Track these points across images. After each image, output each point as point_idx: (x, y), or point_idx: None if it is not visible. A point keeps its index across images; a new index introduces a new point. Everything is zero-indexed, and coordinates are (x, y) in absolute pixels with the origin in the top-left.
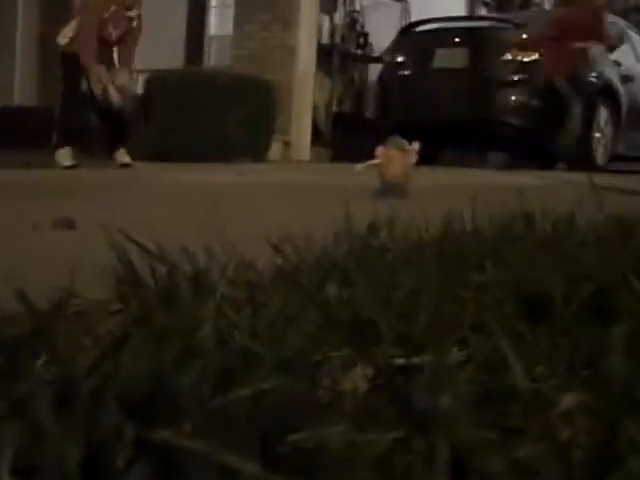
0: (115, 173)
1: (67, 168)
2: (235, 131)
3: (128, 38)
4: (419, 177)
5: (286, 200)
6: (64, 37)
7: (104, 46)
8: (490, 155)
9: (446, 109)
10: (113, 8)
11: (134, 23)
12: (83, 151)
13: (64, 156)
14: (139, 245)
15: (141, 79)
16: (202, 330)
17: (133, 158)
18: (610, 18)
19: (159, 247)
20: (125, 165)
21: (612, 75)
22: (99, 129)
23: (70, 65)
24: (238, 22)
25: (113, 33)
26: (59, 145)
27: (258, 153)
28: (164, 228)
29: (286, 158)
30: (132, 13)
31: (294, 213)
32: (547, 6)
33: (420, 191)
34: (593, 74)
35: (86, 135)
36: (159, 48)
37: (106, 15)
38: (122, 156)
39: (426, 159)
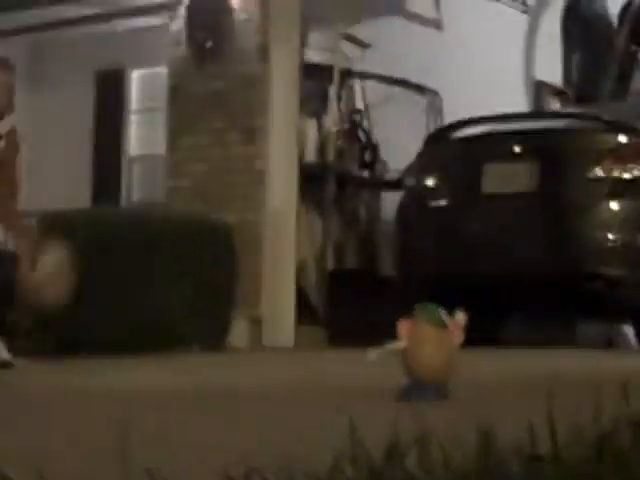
0: None
1: None
2: (175, 304)
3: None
4: (467, 367)
5: (256, 410)
6: None
7: None
8: (580, 327)
9: (506, 258)
10: None
11: (2, 143)
12: None
13: None
14: None
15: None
16: None
17: (16, 353)
18: None
19: None
20: (4, 365)
21: None
22: None
23: None
24: (173, 133)
25: None
26: None
27: (212, 337)
28: (58, 464)
29: (257, 344)
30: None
31: (268, 431)
32: None
33: (469, 389)
34: None
35: None
36: (53, 177)
37: None
38: None
39: (478, 337)
